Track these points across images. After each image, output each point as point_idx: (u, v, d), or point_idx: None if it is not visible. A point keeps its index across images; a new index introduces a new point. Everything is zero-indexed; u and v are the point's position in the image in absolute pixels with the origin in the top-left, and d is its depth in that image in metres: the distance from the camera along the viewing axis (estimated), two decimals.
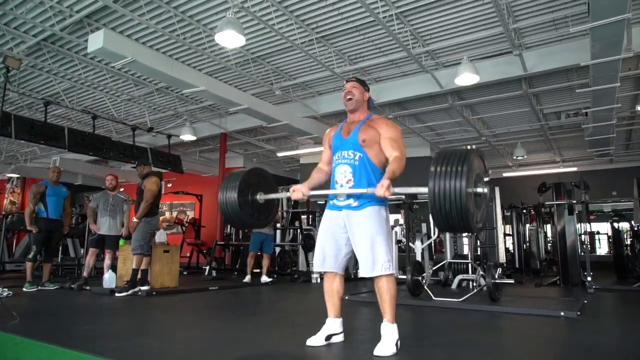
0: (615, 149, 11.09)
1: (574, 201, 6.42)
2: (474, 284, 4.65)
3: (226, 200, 2.69)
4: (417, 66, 7.40)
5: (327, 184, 2.74)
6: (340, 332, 2.64)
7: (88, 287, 5.64)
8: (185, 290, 5.72)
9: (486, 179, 2.26)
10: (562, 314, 3.73)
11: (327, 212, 2.65)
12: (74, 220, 9.21)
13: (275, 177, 15.44)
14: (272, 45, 6.87)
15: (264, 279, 6.87)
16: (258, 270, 7.30)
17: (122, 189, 6.50)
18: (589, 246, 6.06)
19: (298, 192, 2.63)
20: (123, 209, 6.32)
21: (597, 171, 13.72)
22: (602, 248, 13.44)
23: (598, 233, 13.26)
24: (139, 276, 5.21)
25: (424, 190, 2.07)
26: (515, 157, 11.40)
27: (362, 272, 2.45)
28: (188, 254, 11.36)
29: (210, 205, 12.44)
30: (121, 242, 6.12)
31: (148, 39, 6.55)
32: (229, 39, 5.19)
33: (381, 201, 2.50)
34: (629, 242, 8.64)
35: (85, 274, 5.93)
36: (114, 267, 5.94)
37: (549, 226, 11.09)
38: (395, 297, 2.46)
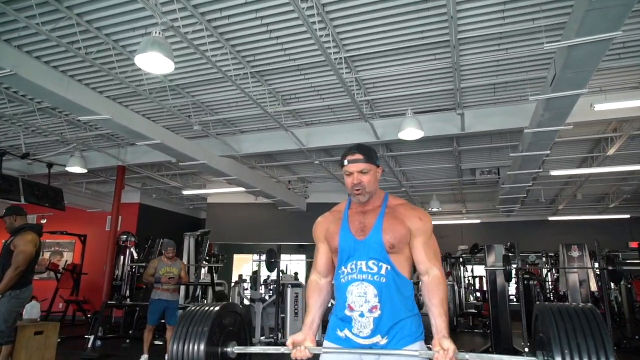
0: None
1: (512, 267, 6.29)
2: None
3: (185, 354, 1.67)
4: (353, 114, 6.95)
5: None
6: None
7: None
8: None
9: None
10: None
11: (334, 353, 1.75)
12: None
13: (176, 215, 14.03)
14: (197, 76, 5.89)
15: None
16: (159, 343, 5.94)
17: None
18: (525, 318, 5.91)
19: (302, 352, 1.68)
20: None
21: (495, 223, 14.65)
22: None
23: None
24: None
25: None
26: (430, 209, 11.50)
27: None
28: (60, 305, 9.38)
29: (96, 247, 10.51)
30: None
31: (36, 47, 5.13)
32: (154, 63, 4.11)
33: (420, 334, 1.72)
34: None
35: None
36: None
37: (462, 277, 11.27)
38: None
